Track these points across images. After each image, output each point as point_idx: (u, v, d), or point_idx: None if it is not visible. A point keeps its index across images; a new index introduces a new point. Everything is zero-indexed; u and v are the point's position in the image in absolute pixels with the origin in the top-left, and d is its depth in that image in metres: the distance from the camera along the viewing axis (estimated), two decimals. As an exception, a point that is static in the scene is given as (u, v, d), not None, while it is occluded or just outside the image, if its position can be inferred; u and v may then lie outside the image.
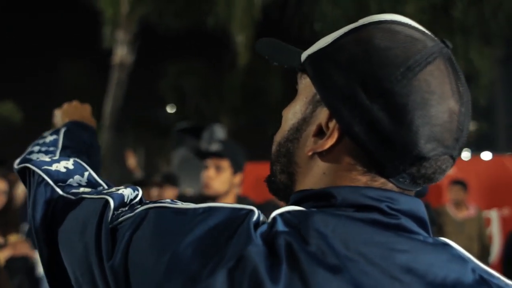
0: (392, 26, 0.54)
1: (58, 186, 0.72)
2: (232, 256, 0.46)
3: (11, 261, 2.74)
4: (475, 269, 0.53)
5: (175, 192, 4.12)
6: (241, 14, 9.33)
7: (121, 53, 11.14)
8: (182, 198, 4.55)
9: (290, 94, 0.68)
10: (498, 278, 0.53)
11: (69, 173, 0.74)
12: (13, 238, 2.91)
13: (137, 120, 18.67)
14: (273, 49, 0.67)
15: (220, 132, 5.41)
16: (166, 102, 18.62)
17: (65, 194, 0.70)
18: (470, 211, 4.30)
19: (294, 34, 9.40)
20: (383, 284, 0.47)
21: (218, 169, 2.14)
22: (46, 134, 0.89)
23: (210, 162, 2.15)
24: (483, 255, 4.20)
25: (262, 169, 5.27)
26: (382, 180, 0.54)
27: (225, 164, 2.15)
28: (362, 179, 0.54)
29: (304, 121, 0.59)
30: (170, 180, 4.12)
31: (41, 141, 0.87)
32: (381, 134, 0.50)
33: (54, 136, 0.86)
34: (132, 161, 4.85)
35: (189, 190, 5.09)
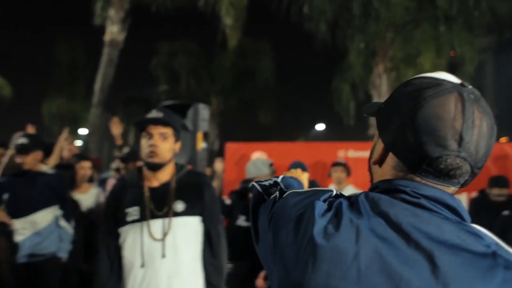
0: (421, 77, 0.85)
1: (264, 192, 1.11)
2: (308, 205, 0.82)
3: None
4: (490, 245, 0.75)
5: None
6: (230, -4, 9.40)
7: (113, 31, 11.19)
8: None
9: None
10: None
11: (270, 186, 1.13)
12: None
13: (128, 99, 18.66)
14: (370, 107, 0.98)
15: (205, 111, 5.47)
16: (157, 81, 18.59)
17: (265, 196, 1.09)
18: None
19: (281, 17, 9.53)
20: (389, 233, 0.74)
21: (163, 136, 2.15)
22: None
23: (155, 130, 2.15)
24: None
25: (247, 149, 5.52)
26: (411, 175, 0.81)
27: (169, 132, 2.17)
28: (399, 174, 0.83)
29: (374, 146, 0.92)
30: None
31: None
32: (405, 146, 0.80)
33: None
34: (116, 129, 4.62)
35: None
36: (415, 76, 0.86)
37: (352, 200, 0.81)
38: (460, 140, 0.76)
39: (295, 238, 0.80)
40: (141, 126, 2.21)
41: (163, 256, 2.14)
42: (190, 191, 2.26)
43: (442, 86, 0.79)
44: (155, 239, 2.15)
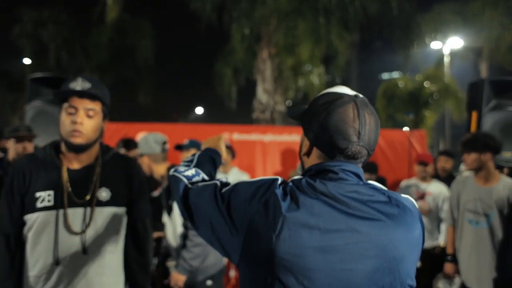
0: (328, 92, 1.20)
1: (189, 182, 1.39)
2: (271, 194, 1.12)
3: None
4: (385, 193, 1.15)
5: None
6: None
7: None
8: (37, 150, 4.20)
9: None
10: (397, 195, 1.17)
11: (193, 176, 1.42)
12: None
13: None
14: (295, 111, 1.29)
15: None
16: (21, 53, 16.70)
17: (190, 186, 1.36)
18: None
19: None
20: (332, 203, 1.09)
21: (90, 113, 1.85)
22: (190, 157, 1.58)
23: (80, 104, 1.83)
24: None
25: (128, 129, 5.24)
26: (331, 160, 1.17)
27: (98, 107, 1.87)
28: (323, 161, 1.17)
29: (303, 142, 1.25)
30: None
31: (187, 160, 1.57)
32: (324, 142, 1.15)
33: (193, 157, 1.57)
34: None
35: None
36: (324, 92, 1.22)
37: (296, 184, 1.15)
38: (359, 135, 1.12)
39: (266, 220, 1.09)
40: (62, 98, 1.85)
41: (85, 252, 1.84)
42: (117, 177, 1.97)
43: (343, 98, 1.15)
44: (72, 232, 1.83)
